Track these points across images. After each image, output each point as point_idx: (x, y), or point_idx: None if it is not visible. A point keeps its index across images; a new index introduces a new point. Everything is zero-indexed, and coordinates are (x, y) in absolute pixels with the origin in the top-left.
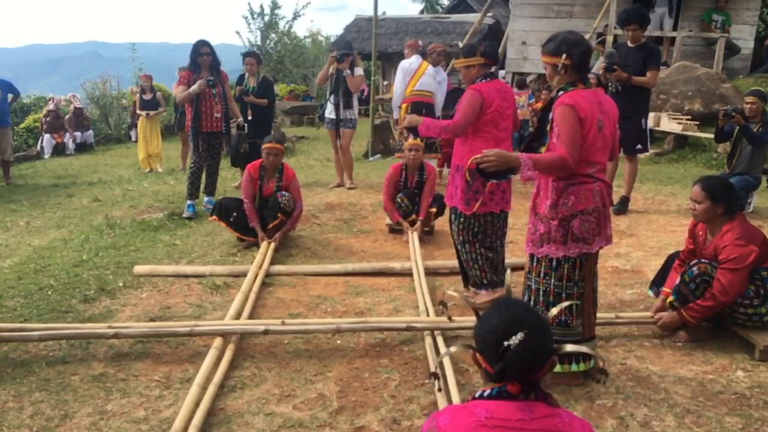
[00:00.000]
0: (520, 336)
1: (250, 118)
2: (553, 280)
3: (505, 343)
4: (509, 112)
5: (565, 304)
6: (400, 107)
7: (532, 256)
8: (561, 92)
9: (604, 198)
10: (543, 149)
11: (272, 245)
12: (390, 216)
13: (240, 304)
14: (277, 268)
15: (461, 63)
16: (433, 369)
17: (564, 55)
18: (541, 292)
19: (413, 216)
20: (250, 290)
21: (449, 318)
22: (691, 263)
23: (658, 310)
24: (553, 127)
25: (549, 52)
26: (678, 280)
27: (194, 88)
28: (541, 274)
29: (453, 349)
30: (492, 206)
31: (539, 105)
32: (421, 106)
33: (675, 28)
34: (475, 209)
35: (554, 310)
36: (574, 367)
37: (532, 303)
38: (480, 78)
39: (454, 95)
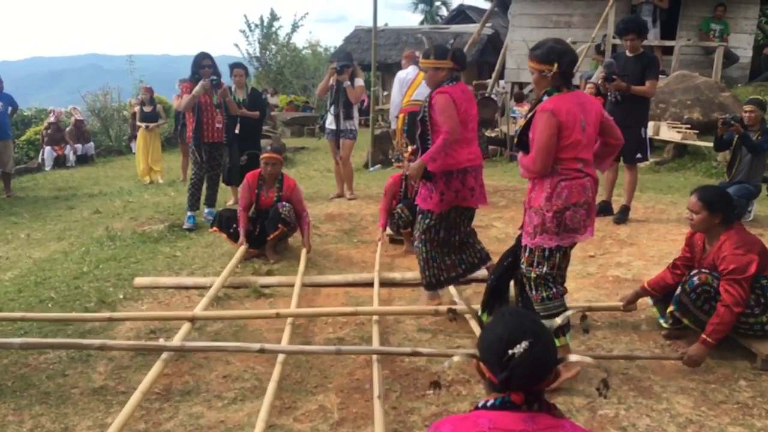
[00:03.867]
0: (524, 345)
1: (237, 132)
2: (545, 269)
3: (510, 351)
4: (474, 113)
5: (569, 312)
6: (397, 117)
7: (525, 246)
8: (545, 96)
9: (593, 192)
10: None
11: (304, 251)
12: (380, 218)
13: (208, 301)
14: (277, 279)
15: (431, 63)
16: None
17: (556, 64)
18: (533, 279)
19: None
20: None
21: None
22: (691, 273)
23: (629, 301)
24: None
25: (538, 59)
26: (678, 290)
27: (197, 88)
28: (534, 263)
29: (456, 358)
30: (472, 201)
31: None
32: (417, 115)
33: (661, 37)
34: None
35: (558, 320)
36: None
37: (527, 288)
38: (446, 81)
39: None
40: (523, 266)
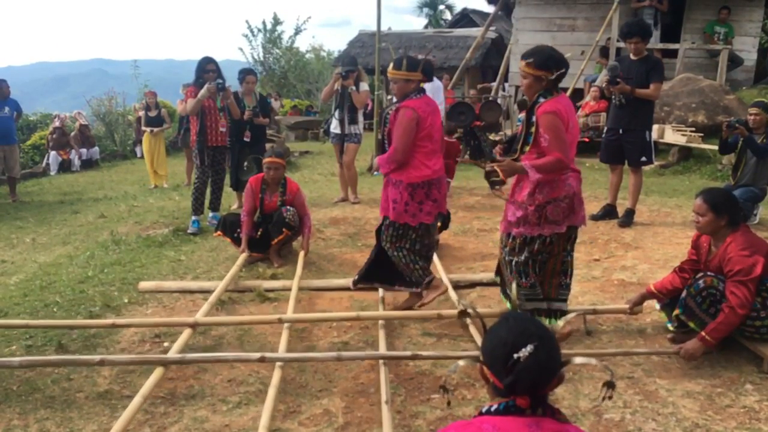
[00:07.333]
0: (529, 348)
1: (247, 139)
2: (524, 255)
3: (515, 355)
4: (438, 125)
5: (570, 316)
6: None
7: (508, 234)
8: (542, 99)
9: (575, 185)
10: (527, 148)
11: (301, 254)
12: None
13: (209, 307)
14: (281, 283)
15: (403, 75)
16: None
17: (554, 72)
18: (513, 263)
19: None
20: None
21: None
22: (697, 276)
23: (635, 303)
24: (539, 132)
25: (535, 65)
26: (684, 293)
27: (203, 92)
28: (516, 249)
29: (461, 363)
30: (436, 209)
31: None
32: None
33: (665, 40)
34: (422, 219)
35: (560, 323)
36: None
37: (508, 273)
38: (413, 93)
39: (458, 109)
40: (505, 252)
